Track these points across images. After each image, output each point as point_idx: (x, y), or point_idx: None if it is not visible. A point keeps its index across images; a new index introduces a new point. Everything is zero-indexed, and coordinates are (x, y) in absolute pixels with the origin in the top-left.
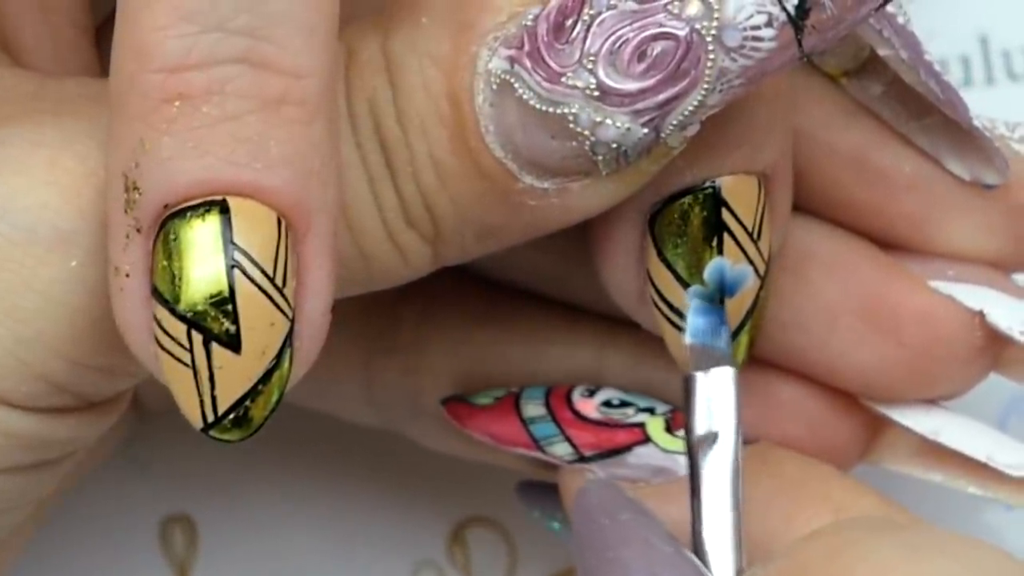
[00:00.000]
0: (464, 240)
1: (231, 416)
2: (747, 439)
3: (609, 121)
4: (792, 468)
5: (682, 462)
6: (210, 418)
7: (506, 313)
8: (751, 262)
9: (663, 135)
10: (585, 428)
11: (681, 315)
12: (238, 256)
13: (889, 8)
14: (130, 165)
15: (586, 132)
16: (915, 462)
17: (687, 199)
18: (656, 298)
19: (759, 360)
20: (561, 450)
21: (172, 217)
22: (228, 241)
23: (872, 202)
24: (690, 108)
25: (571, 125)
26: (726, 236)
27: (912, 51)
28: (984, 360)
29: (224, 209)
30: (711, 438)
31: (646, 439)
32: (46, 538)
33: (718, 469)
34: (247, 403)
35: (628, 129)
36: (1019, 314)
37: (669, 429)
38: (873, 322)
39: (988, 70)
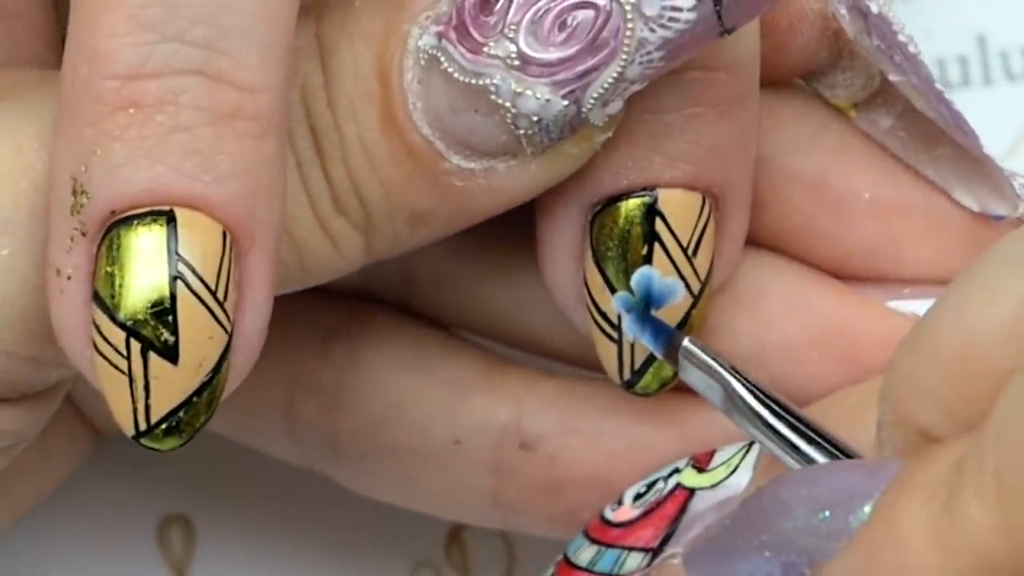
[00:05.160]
0: (396, 227)
1: (163, 426)
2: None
3: (530, 92)
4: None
5: (733, 483)
6: (142, 427)
7: (431, 361)
8: (683, 277)
9: (584, 109)
10: (637, 528)
11: (609, 321)
12: (181, 267)
13: (900, 37)
14: (79, 169)
15: (507, 104)
16: None
17: (623, 203)
18: (589, 301)
19: (676, 392)
20: (632, 563)
21: (118, 224)
22: (172, 252)
23: (828, 229)
24: (610, 80)
25: (493, 97)
26: (657, 246)
27: (922, 78)
28: None
29: (171, 219)
30: (732, 395)
31: (691, 492)
32: (44, 538)
33: (755, 406)
34: (180, 414)
35: (548, 101)
36: None
37: (700, 469)
38: (835, 352)
39: (986, 70)
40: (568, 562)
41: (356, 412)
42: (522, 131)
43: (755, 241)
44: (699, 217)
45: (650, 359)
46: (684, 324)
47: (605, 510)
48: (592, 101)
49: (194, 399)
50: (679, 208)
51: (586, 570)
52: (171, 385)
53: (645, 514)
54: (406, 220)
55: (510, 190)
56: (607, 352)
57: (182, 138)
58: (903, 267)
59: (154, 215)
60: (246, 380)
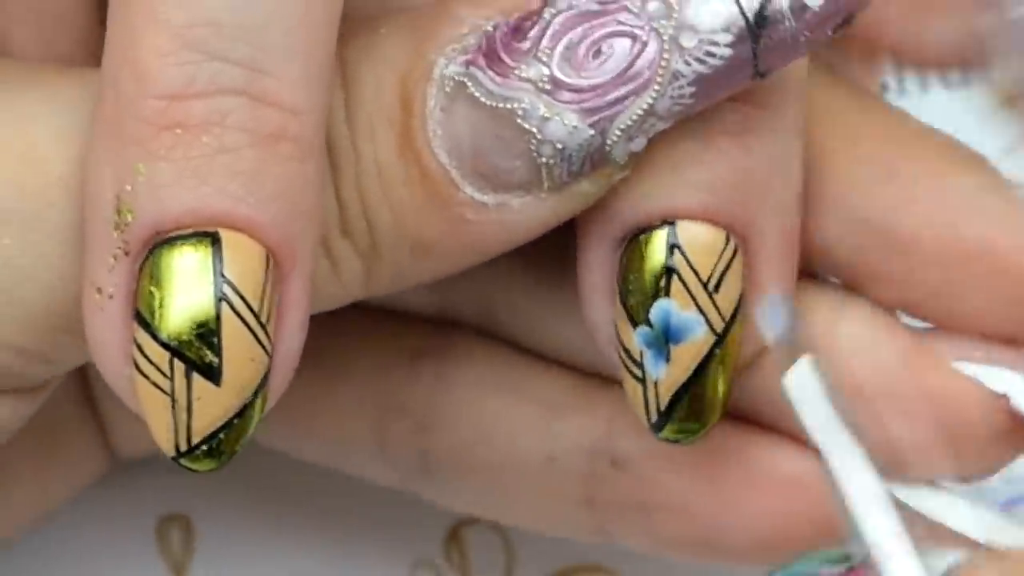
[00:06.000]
0: (399, 257)
1: (203, 447)
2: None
3: (557, 118)
4: None
5: None
6: (183, 447)
7: (520, 380)
8: (703, 313)
9: (608, 142)
10: None
11: (633, 359)
12: (226, 289)
13: None
14: (123, 187)
15: (533, 128)
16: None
17: (643, 238)
18: (616, 340)
19: (764, 431)
20: None
21: (162, 243)
22: (218, 273)
23: (902, 272)
24: (639, 112)
25: (519, 120)
26: (675, 280)
27: None
28: (1007, 443)
29: (215, 240)
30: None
31: None
32: (42, 537)
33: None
34: (221, 436)
35: (575, 128)
36: None
37: None
38: (895, 401)
39: None
40: None
41: (447, 433)
42: (544, 160)
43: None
44: (721, 254)
45: (674, 401)
46: (708, 361)
47: None
48: (618, 133)
49: (234, 421)
50: (698, 242)
51: None
52: (213, 406)
53: None
54: (411, 249)
55: (520, 226)
56: (634, 392)
57: (227, 159)
58: (967, 308)
59: (198, 236)
60: (334, 407)
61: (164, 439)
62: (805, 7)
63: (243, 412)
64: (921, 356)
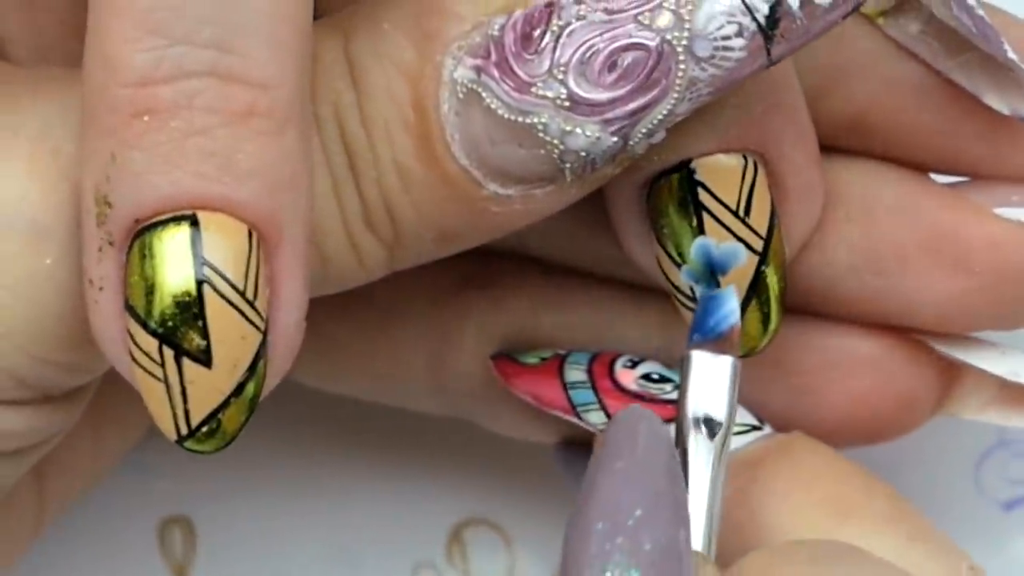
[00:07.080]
0: (422, 244)
1: (204, 429)
2: (780, 429)
3: (579, 130)
4: (812, 463)
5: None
6: (183, 431)
7: (573, 297)
8: (741, 239)
9: (631, 143)
10: (621, 399)
11: (683, 292)
12: (207, 271)
13: None
14: (101, 179)
15: (555, 141)
16: (992, 408)
17: (664, 182)
18: (664, 280)
19: (829, 316)
20: (596, 418)
21: (144, 231)
22: (198, 255)
23: (938, 124)
24: (659, 117)
25: (540, 134)
26: (705, 215)
27: None
28: None
29: (194, 223)
30: (701, 422)
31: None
32: (44, 538)
33: (702, 458)
34: (220, 416)
35: (598, 138)
36: None
37: None
38: (943, 255)
39: None
40: (560, 366)
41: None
42: (568, 165)
43: (865, 151)
44: (743, 177)
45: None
46: (758, 282)
47: (619, 360)
48: (640, 135)
49: (232, 399)
50: (719, 173)
51: (563, 386)
52: (207, 388)
53: (635, 396)
54: (434, 238)
55: (545, 210)
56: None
57: (199, 141)
58: (1018, 154)
59: (177, 220)
60: (391, 343)
61: (165, 425)
62: (814, 2)
63: (240, 390)
64: (962, 208)
